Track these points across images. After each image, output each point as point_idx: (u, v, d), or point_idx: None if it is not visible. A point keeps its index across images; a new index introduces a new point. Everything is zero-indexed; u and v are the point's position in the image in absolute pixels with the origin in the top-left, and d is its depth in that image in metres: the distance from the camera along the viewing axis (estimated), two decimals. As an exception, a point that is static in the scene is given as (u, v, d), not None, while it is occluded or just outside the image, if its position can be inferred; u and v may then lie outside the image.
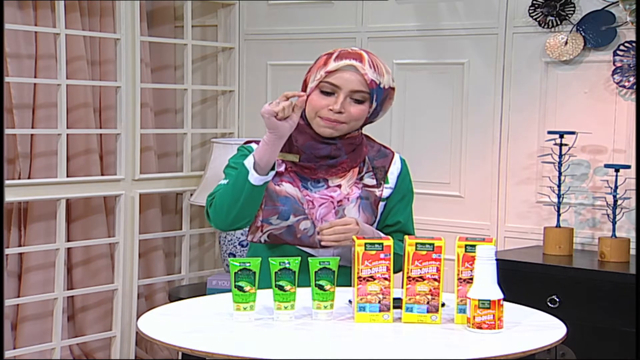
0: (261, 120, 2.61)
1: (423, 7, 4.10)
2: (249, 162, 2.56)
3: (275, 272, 2.20)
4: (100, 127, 4.36)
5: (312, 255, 2.56)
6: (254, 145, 2.69)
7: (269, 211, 2.62)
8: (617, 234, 3.55)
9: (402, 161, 2.78)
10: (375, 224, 2.68)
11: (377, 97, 2.63)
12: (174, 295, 4.19)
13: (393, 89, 2.68)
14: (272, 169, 2.57)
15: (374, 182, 2.69)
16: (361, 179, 2.68)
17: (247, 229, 2.69)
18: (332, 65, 2.60)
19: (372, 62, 2.62)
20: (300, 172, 2.66)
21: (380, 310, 2.19)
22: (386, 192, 2.71)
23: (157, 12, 4.70)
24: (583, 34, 3.69)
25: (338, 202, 2.64)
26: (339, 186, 2.66)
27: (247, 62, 4.61)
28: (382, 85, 2.62)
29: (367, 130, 2.73)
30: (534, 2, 3.78)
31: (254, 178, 2.54)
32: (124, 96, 4.17)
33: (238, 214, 2.57)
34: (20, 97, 4.06)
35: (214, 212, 2.60)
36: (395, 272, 2.26)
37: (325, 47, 2.81)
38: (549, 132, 3.69)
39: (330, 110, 2.60)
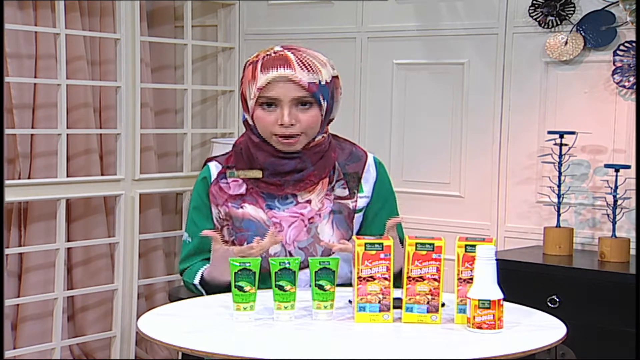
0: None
1: (423, 7, 4.10)
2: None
3: (275, 272, 2.20)
4: (100, 127, 4.36)
5: None
6: (211, 165, 2.56)
7: (239, 238, 2.49)
8: (617, 234, 3.55)
9: (377, 164, 2.59)
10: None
11: (325, 96, 2.45)
12: (174, 295, 4.19)
13: (336, 77, 2.49)
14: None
15: (346, 192, 2.52)
16: (332, 189, 2.52)
17: None
18: (262, 80, 2.41)
19: (301, 62, 2.42)
20: (265, 190, 2.49)
21: (380, 310, 2.19)
22: (361, 202, 2.54)
23: (157, 12, 4.70)
24: (583, 34, 3.69)
25: (309, 219, 2.48)
26: (309, 202, 2.50)
27: (247, 62, 4.60)
28: (322, 83, 2.44)
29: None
30: (534, 2, 3.78)
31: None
32: (124, 96, 4.16)
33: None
34: (20, 97, 4.06)
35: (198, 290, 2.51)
36: None
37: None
38: (549, 132, 3.69)
39: (282, 125, 2.42)
